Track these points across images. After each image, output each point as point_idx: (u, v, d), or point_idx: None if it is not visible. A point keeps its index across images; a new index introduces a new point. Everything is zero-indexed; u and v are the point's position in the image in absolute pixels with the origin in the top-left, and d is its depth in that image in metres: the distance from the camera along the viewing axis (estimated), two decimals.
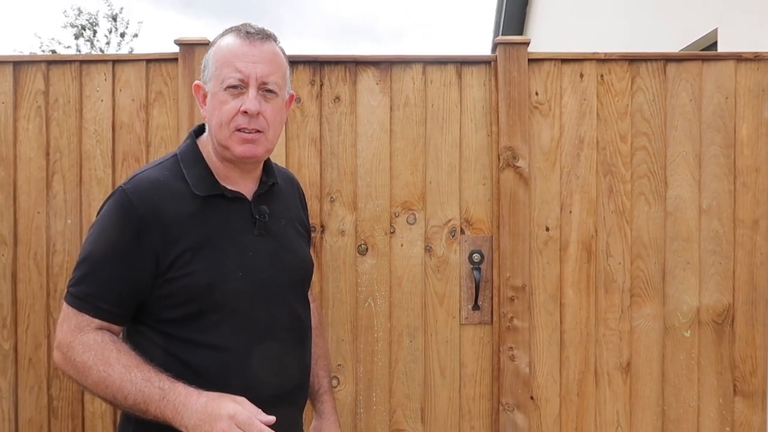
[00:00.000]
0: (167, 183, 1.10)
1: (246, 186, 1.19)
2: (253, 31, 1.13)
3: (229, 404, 0.97)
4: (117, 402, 1.01)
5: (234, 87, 1.09)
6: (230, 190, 1.15)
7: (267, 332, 1.15)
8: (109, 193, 1.13)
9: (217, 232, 1.11)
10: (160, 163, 1.16)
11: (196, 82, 1.19)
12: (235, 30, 1.14)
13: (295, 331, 1.21)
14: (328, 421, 1.36)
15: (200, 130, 1.22)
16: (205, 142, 1.19)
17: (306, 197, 1.84)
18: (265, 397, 1.10)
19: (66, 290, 1.08)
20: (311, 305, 1.34)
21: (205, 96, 1.15)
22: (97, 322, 1.05)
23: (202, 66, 1.18)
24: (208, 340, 1.09)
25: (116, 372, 1.00)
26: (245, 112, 1.09)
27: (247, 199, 1.18)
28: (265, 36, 1.14)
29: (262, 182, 1.22)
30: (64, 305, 1.07)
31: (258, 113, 1.10)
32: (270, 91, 1.13)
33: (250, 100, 1.09)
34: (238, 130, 1.10)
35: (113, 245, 1.05)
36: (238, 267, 1.12)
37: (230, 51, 1.11)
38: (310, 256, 1.34)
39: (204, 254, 1.09)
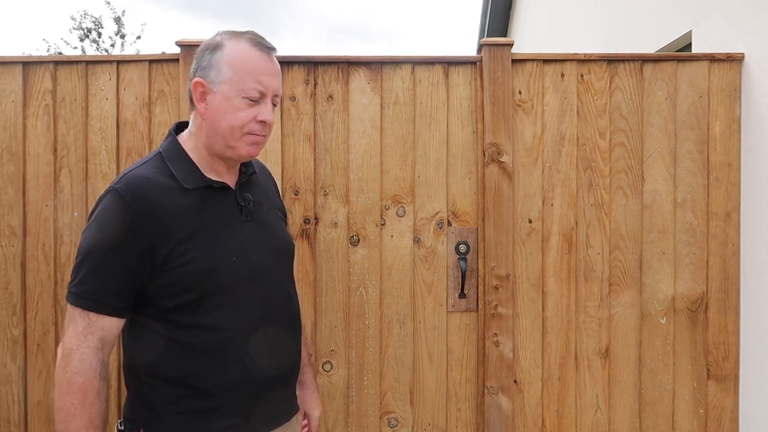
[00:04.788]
0: (156, 179, 1.14)
1: (230, 177, 1.25)
2: (267, 44, 1.20)
3: None
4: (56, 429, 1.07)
5: (254, 99, 1.17)
6: (216, 181, 1.21)
7: (264, 312, 1.22)
8: (101, 195, 1.14)
9: (208, 221, 1.17)
10: (145, 162, 1.19)
11: (198, 79, 1.17)
12: (249, 39, 1.18)
13: (287, 308, 1.30)
14: (310, 390, 1.46)
15: (178, 128, 1.27)
16: (185, 139, 1.23)
17: (300, 191, 1.94)
18: (265, 375, 1.21)
19: (68, 292, 1.09)
20: None
21: (204, 93, 1.17)
22: (102, 321, 1.09)
23: (205, 63, 1.17)
24: (209, 322, 1.14)
25: (76, 423, 1.06)
26: (263, 122, 1.18)
27: (231, 188, 1.24)
28: (274, 49, 1.22)
29: (242, 173, 1.28)
30: (69, 307, 1.09)
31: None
32: (275, 102, 1.22)
33: (269, 111, 1.19)
34: (250, 134, 1.18)
35: (111, 243, 1.08)
36: (231, 252, 1.18)
37: (252, 63, 1.16)
38: (291, 237, 1.43)
39: (199, 243, 1.14)
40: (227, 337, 1.16)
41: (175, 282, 1.12)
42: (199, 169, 1.20)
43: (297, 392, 1.38)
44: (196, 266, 1.12)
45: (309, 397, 1.46)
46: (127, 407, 1.20)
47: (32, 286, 1.93)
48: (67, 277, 1.92)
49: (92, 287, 1.08)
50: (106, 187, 1.15)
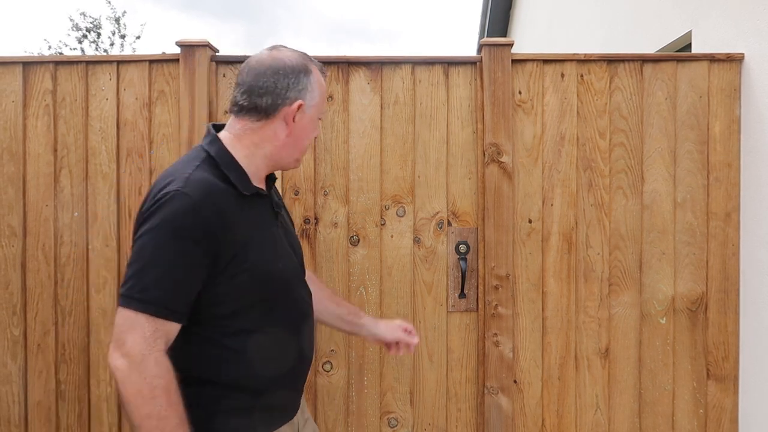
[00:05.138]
0: (217, 184, 1.12)
1: (263, 184, 1.27)
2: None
3: None
4: None
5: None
6: (261, 188, 1.23)
7: (300, 313, 1.27)
8: (158, 196, 1.07)
9: (257, 227, 1.19)
10: (198, 164, 1.14)
11: (301, 101, 1.20)
12: (317, 64, 1.27)
13: (311, 307, 1.35)
14: (373, 319, 1.55)
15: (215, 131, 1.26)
16: (230, 144, 1.21)
17: (300, 191, 1.95)
18: (305, 370, 1.30)
19: (126, 296, 1.04)
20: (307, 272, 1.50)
21: (298, 113, 1.21)
22: (168, 326, 1.06)
23: (302, 86, 1.20)
24: (259, 326, 1.17)
25: (170, 423, 1.02)
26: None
27: (268, 195, 1.26)
28: None
29: (268, 179, 1.31)
30: (130, 312, 1.03)
31: None
32: None
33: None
34: None
35: (180, 249, 1.05)
36: (277, 258, 1.21)
37: (324, 88, 1.30)
38: None
39: (254, 250, 1.15)
40: (275, 339, 1.20)
41: (231, 290, 1.12)
42: (247, 175, 1.20)
43: (366, 328, 1.53)
44: (252, 274, 1.14)
45: (374, 323, 1.54)
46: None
47: (32, 286, 1.93)
48: (67, 277, 1.92)
49: (160, 293, 1.04)
50: (164, 188, 1.09)
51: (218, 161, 1.16)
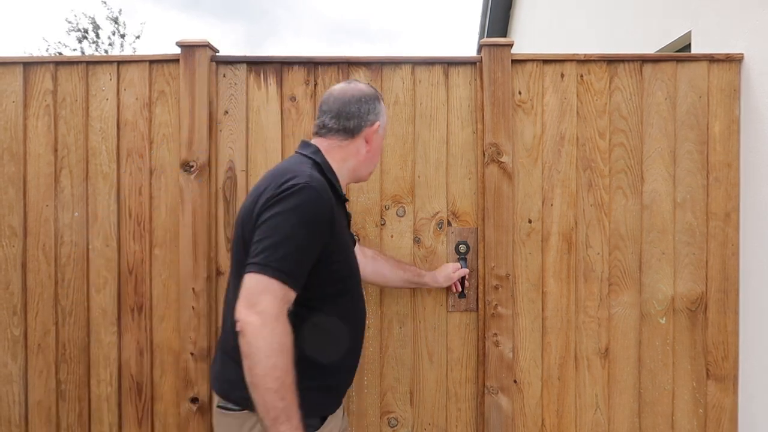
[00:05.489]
0: (326, 184, 1.33)
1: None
2: None
3: None
4: (267, 388, 1.11)
5: None
6: (346, 196, 1.51)
7: (365, 310, 1.51)
8: (289, 186, 1.23)
9: (344, 228, 1.44)
10: (311, 166, 1.36)
11: (379, 122, 1.47)
12: (380, 94, 1.53)
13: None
14: (432, 274, 1.88)
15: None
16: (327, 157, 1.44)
17: None
18: (358, 361, 1.49)
19: (262, 264, 1.17)
20: (371, 252, 1.83)
21: (376, 134, 1.48)
22: (291, 294, 1.20)
23: (379, 110, 1.47)
24: (344, 313, 1.38)
25: (290, 378, 1.14)
26: None
27: (346, 203, 1.53)
28: None
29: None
30: (265, 277, 1.16)
31: None
32: None
33: None
34: None
35: (312, 230, 1.23)
36: (354, 257, 1.46)
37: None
38: None
39: (344, 245, 1.38)
40: (353, 327, 1.42)
41: (326, 276, 1.31)
42: (340, 183, 1.45)
43: (434, 284, 1.88)
44: (342, 266, 1.36)
45: (437, 277, 1.87)
46: (240, 384, 1.19)
47: (33, 286, 1.93)
48: (68, 277, 1.93)
49: (293, 265, 1.19)
50: (288, 181, 1.25)
51: (323, 168, 1.39)
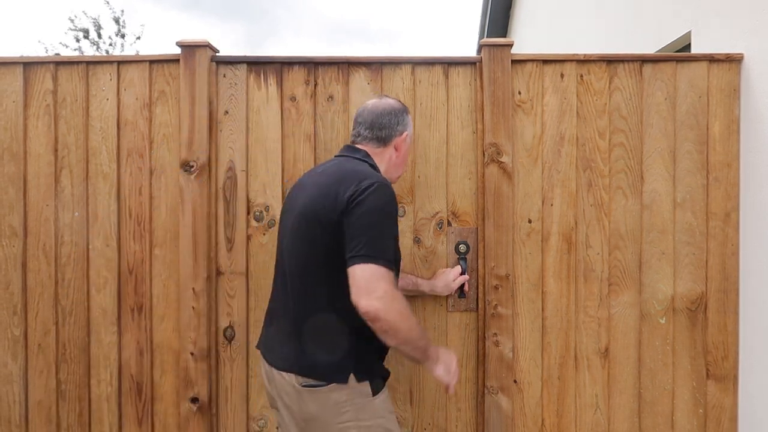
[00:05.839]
0: None
1: None
2: None
3: (454, 356, 1.55)
4: (412, 340, 1.38)
5: None
6: None
7: None
8: (368, 185, 1.39)
9: None
10: (370, 168, 1.52)
11: (407, 132, 1.65)
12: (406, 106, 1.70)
13: None
14: (428, 282, 1.92)
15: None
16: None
17: None
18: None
19: (371, 256, 1.33)
20: None
21: (405, 142, 1.65)
22: (393, 275, 1.37)
23: (407, 122, 1.65)
24: None
25: (420, 327, 1.43)
26: None
27: None
28: None
29: None
30: (377, 267, 1.33)
31: None
32: None
33: None
34: None
35: (393, 224, 1.44)
36: None
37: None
38: None
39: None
40: None
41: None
42: None
43: (425, 285, 1.92)
44: (397, 256, 1.51)
45: (435, 286, 1.92)
46: (323, 362, 1.43)
47: (33, 286, 1.93)
48: (68, 277, 1.93)
49: (390, 252, 1.38)
50: (364, 180, 1.40)
51: (376, 169, 1.57)
